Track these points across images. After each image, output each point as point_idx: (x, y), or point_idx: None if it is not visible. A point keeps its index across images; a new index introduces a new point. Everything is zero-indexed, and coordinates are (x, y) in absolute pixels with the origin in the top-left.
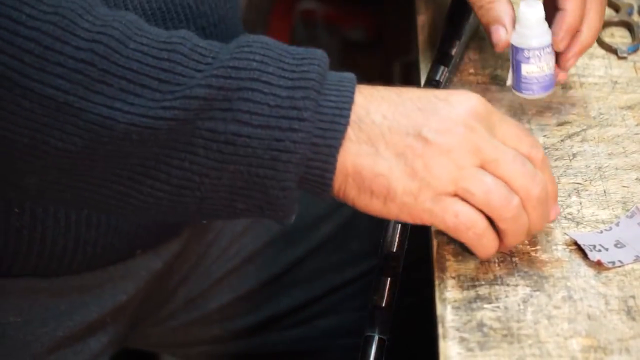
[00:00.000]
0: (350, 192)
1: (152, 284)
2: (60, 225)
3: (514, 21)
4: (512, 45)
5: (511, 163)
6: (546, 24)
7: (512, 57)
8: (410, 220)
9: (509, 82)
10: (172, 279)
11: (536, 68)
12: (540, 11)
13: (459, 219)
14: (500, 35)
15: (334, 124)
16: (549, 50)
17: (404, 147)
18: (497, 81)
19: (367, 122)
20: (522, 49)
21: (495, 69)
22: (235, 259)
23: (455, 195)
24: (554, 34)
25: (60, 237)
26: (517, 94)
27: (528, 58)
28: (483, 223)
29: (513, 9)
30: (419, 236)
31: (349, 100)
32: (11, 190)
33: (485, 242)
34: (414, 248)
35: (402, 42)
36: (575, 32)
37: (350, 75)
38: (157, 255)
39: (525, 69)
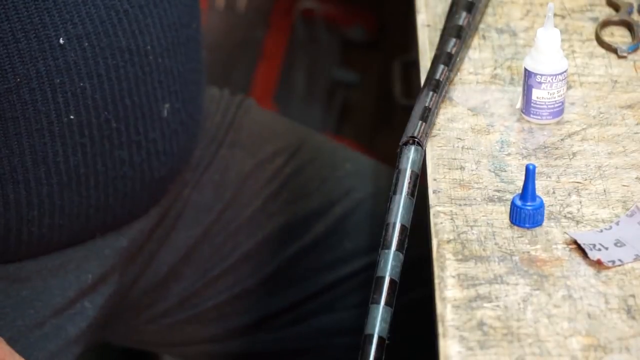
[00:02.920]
0: None
1: (124, 265)
2: None
3: None
4: (525, 69)
5: None
6: (561, 52)
7: (524, 80)
8: None
9: (518, 105)
10: (156, 266)
11: (547, 94)
12: (556, 38)
13: None
14: None
15: None
16: (562, 77)
17: None
18: (497, 80)
19: None
20: (535, 74)
21: (495, 68)
22: (230, 258)
23: None
24: None
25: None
26: (526, 117)
27: (540, 83)
28: None
29: None
30: (419, 235)
31: None
32: None
33: None
34: (414, 246)
35: (402, 42)
36: None
37: None
38: (120, 234)
39: (537, 94)
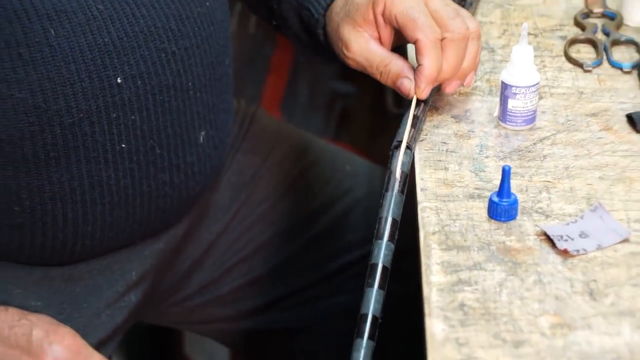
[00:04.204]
0: None
1: (160, 263)
2: (57, 222)
3: (413, 69)
4: (502, 82)
5: None
6: (534, 66)
7: (501, 92)
8: None
9: (495, 113)
10: (182, 261)
11: (521, 104)
12: (530, 54)
13: None
14: (406, 85)
15: None
16: (535, 89)
17: None
18: (477, 92)
19: None
20: (511, 86)
21: (475, 80)
22: (244, 250)
23: None
24: (416, 86)
25: (59, 232)
26: (502, 124)
27: (515, 94)
28: None
29: (406, 60)
30: (408, 228)
31: None
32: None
33: None
34: (403, 237)
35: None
36: (434, 82)
37: None
38: (158, 239)
39: (512, 104)
